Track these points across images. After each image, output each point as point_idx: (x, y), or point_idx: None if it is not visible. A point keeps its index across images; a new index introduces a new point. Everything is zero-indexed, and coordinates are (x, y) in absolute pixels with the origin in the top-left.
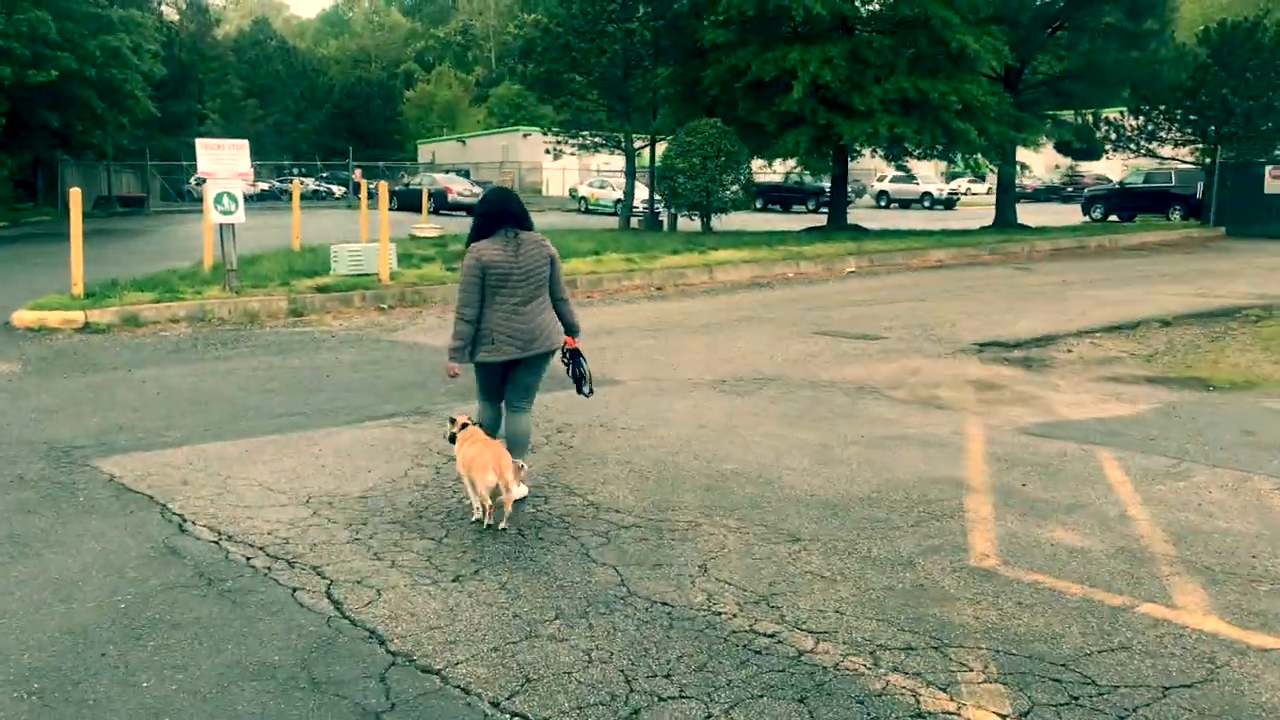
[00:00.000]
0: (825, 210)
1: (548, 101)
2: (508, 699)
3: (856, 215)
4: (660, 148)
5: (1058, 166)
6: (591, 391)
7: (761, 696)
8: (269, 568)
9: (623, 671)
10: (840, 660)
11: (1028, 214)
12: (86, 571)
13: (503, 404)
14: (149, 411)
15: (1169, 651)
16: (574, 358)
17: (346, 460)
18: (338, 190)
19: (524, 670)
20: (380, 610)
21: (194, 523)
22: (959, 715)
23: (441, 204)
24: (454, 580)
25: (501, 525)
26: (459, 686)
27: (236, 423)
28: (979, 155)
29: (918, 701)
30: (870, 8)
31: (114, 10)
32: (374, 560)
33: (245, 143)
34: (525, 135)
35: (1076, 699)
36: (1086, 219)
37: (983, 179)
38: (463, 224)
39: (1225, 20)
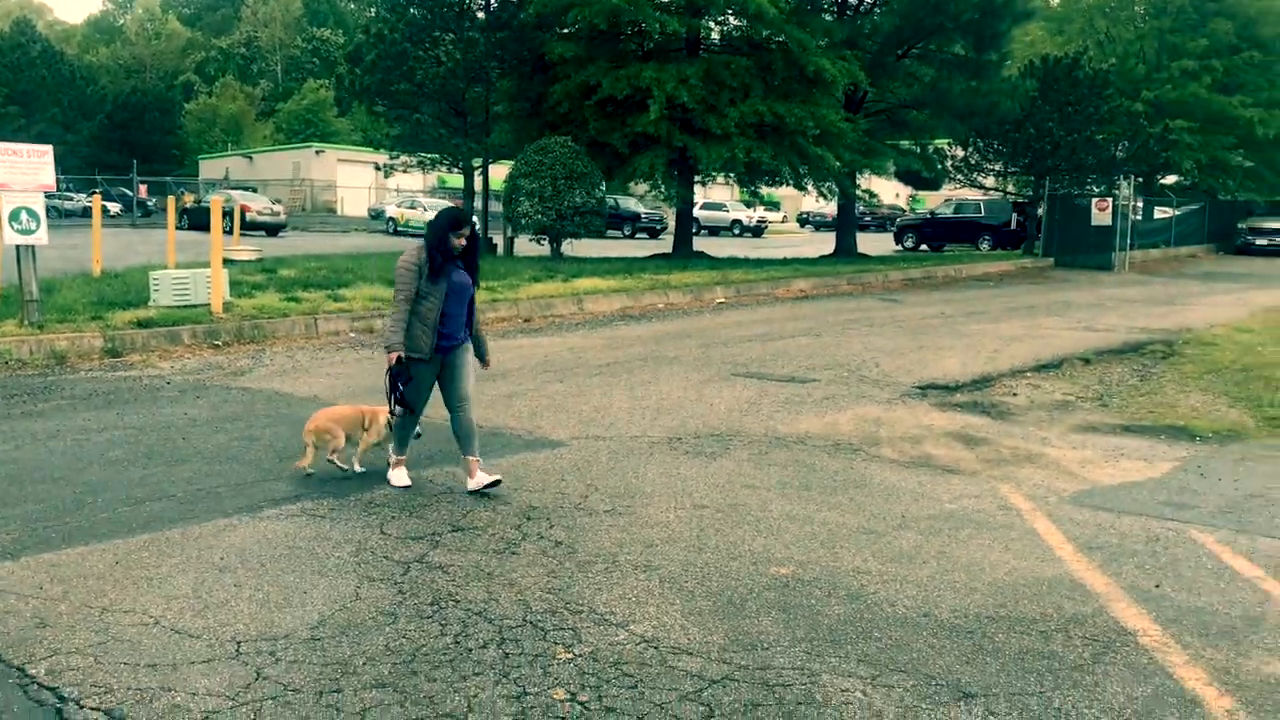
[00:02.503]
0: (643, 235)
1: (378, 115)
2: None
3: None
4: (496, 169)
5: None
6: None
7: None
8: None
9: None
10: None
11: (827, 242)
12: None
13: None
14: None
15: None
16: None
17: (263, 573)
18: (113, 207)
19: None
20: None
21: (80, 704)
22: None
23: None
24: None
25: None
26: None
27: (85, 513)
28: (832, 182)
29: None
30: (725, 28)
31: None
32: None
33: (49, 149)
34: (318, 152)
35: None
36: (899, 248)
37: (777, 208)
38: (281, 245)
39: (1048, 55)
